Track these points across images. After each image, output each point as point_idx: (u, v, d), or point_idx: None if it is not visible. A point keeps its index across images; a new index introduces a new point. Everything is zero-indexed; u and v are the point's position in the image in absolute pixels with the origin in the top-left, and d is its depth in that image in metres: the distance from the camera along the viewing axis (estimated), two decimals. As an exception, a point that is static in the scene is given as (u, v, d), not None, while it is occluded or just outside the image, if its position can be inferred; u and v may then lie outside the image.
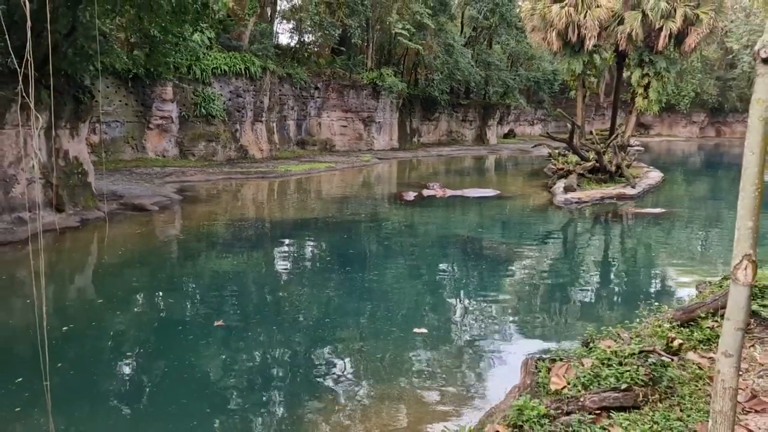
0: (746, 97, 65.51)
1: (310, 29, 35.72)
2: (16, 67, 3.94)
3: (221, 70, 27.87)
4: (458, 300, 9.93)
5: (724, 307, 5.80)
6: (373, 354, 7.40)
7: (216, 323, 8.12)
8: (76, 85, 14.21)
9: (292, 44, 37.90)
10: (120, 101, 25.02)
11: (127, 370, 6.97)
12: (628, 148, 29.26)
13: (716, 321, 5.81)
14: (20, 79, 3.78)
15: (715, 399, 3.08)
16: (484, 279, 11.15)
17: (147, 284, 10.34)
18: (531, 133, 62.04)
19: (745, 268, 2.92)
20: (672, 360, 5.03)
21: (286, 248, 13.80)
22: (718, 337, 5.57)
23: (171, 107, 26.51)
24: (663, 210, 18.24)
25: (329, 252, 13.28)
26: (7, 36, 5.73)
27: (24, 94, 3.87)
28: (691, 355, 5.30)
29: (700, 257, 13.41)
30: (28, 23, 3.69)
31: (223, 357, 7.20)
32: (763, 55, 2.87)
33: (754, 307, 5.81)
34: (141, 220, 15.20)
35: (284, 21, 38.52)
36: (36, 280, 8.73)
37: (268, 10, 34.32)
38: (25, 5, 3.69)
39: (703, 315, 5.98)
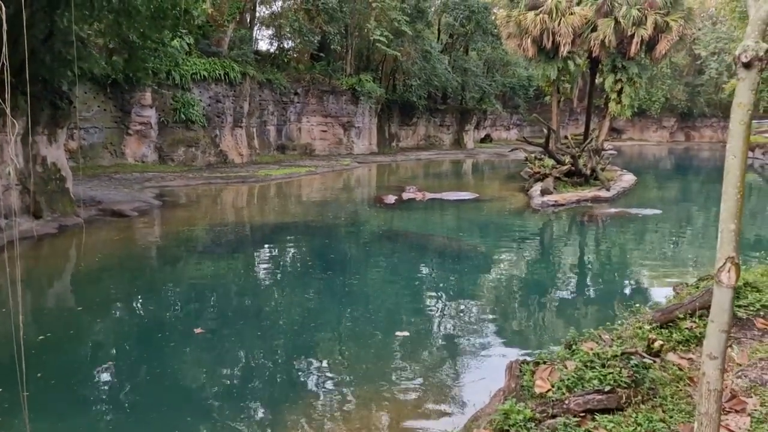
0: (714, 102, 67.15)
1: (289, 35, 35.71)
2: (-8, 73, 3.91)
3: (201, 75, 27.69)
4: (440, 303, 10.00)
5: (702, 308, 5.99)
6: (354, 358, 7.42)
7: (196, 330, 8.08)
8: (53, 91, 13.99)
9: (272, 50, 37.88)
10: (99, 107, 24.70)
11: (107, 379, 6.89)
12: (602, 152, 29.73)
13: (694, 322, 5.96)
14: (-5, 85, 3.76)
15: (701, 401, 3.13)
16: (464, 282, 11.23)
17: (126, 291, 10.22)
18: (507, 138, 62.59)
19: (729, 271, 2.98)
20: (653, 361, 5.16)
21: (266, 253, 13.76)
22: (696, 337, 5.73)
23: (150, 113, 26.24)
24: (655, 211, 18.58)
25: (310, 256, 13.27)
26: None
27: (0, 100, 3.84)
28: (671, 356, 5.43)
29: (676, 258, 13.70)
30: (4, 28, 3.67)
31: (204, 364, 7.15)
32: (744, 60, 2.93)
33: (730, 308, 5.97)
34: (120, 225, 15.02)
35: (264, 27, 38.49)
36: (12, 287, 8.61)
37: (248, 17, 34.22)
38: (1, 10, 3.68)
39: (681, 316, 6.13)
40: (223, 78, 28.86)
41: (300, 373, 7.04)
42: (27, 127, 12.66)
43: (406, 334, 8.07)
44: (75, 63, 12.75)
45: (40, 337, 7.65)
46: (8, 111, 3.81)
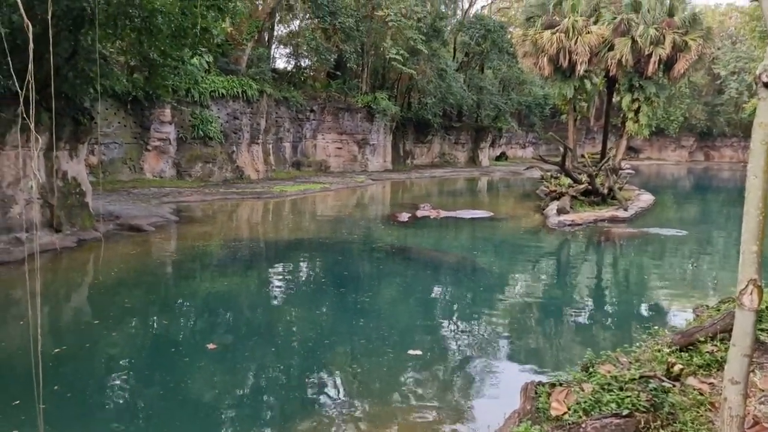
0: (734, 122, 66.55)
1: (306, 54, 36.15)
2: (18, 89, 4.00)
3: (219, 93, 28.11)
4: (453, 322, 9.92)
5: (723, 331, 5.88)
6: (367, 376, 7.37)
7: (209, 346, 8.10)
8: (76, 107, 14.25)
9: (289, 68, 38.39)
10: (119, 123, 25.14)
11: (121, 392, 6.91)
12: (620, 171, 29.56)
13: (715, 345, 5.85)
14: (21, 101, 3.84)
15: (722, 427, 3.06)
16: (479, 301, 11.15)
17: (141, 305, 10.29)
18: (522, 156, 62.55)
19: (751, 293, 2.92)
20: (673, 385, 5.06)
21: (280, 269, 13.79)
22: (717, 362, 5.62)
23: (169, 129, 26.65)
24: (675, 232, 18.38)
25: (323, 273, 13.28)
26: (9, 59, 5.81)
27: (25, 115, 3.91)
28: (691, 381, 5.32)
29: (696, 280, 13.49)
30: (31, 46, 3.75)
31: (217, 379, 7.15)
32: (765, 79, 2.91)
33: (753, 331, 5.85)
34: (137, 240, 15.16)
35: (281, 46, 39.07)
36: (32, 300, 8.71)
37: (266, 35, 34.72)
38: (28, 29, 3.76)
39: (702, 339, 6.01)
40: (240, 95, 29.26)
41: (312, 390, 7.01)
42: (50, 142, 12.89)
43: (419, 352, 8.01)
44: (97, 80, 12.99)
45: (56, 350, 7.71)
46: (32, 126, 3.88)
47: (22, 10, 3.93)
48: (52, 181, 13.44)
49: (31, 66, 3.77)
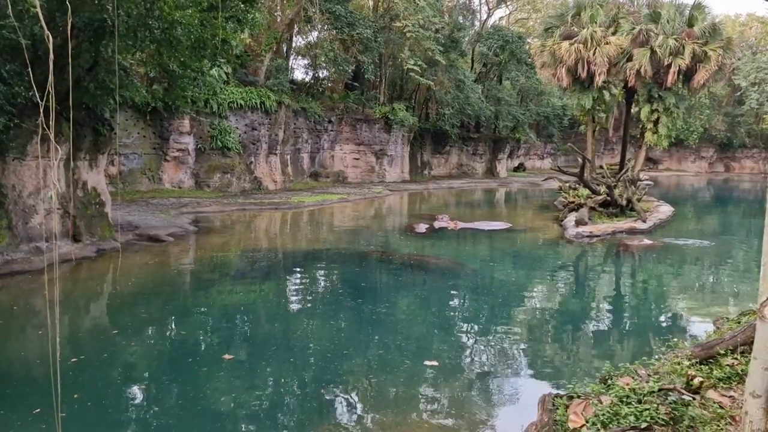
0: (755, 133, 65.68)
1: (324, 65, 36.42)
2: (38, 100, 4.06)
3: (237, 104, 28.43)
4: (470, 333, 9.85)
5: (743, 344, 5.77)
6: (383, 386, 7.34)
7: (225, 357, 8.12)
8: (96, 118, 14.49)
9: (307, 79, 38.72)
10: (138, 134, 25.52)
11: (139, 402, 6.95)
12: (638, 182, 29.22)
13: (736, 358, 5.74)
14: (42, 111, 3.90)
15: (743, 439, 3.01)
16: (496, 312, 11.07)
17: (159, 315, 10.37)
18: (541, 167, 62.30)
19: (771, 306, 2.88)
20: (693, 398, 4.97)
21: (297, 280, 13.82)
22: (738, 375, 5.51)
23: (188, 140, 26.99)
24: (697, 242, 18.14)
25: (341, 284, 13.28)
26: (30, 70, 5.91)
27: (45, 126, 3.96)
28: (711, 394, 5.22)
29: (716, 291, 13.28)
30: (51, 57, 3.81)
31: (233, 390, 7.16)
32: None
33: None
34: (156, 250, 15.31)
35: (299, 57, 39.42)
36: (51, 309, 8.81)
37: (284, 47, 35.08)
38: (48, 40, 3.82)
39: (722, 352, 5.90)
40: (259, 106, 29.56)
41: (328, 401, 6.99)
42: (69, 153, 13.09)
43: (436, 363, 7.96)
44: (117, 91, 13.18)
45: (74, 359, 7.78)
46: (52, 137, 3.93)
47: (43, 22, 4.01)
48: (72, 191, 13.64)
49: (51, 77, 3.83)
